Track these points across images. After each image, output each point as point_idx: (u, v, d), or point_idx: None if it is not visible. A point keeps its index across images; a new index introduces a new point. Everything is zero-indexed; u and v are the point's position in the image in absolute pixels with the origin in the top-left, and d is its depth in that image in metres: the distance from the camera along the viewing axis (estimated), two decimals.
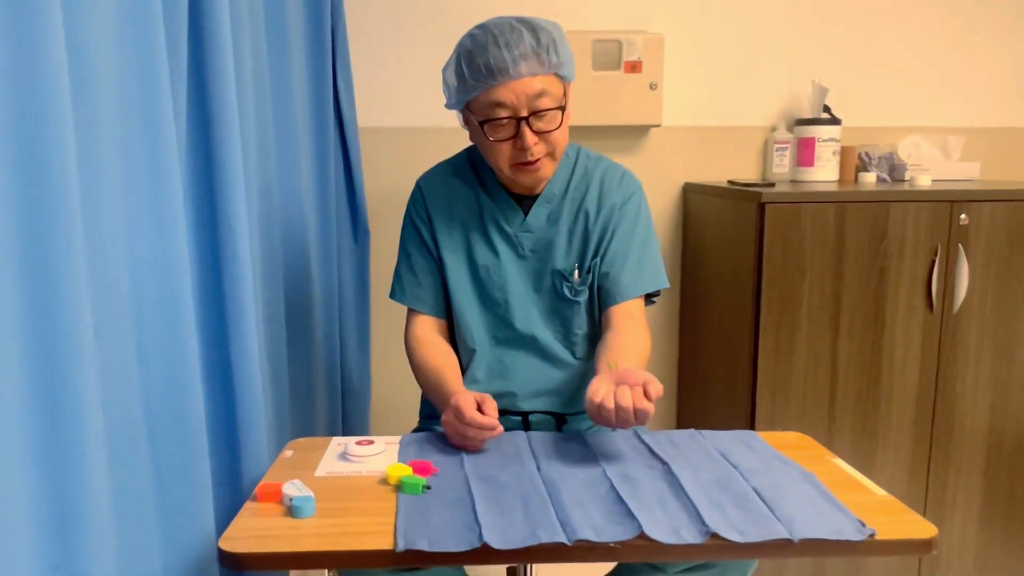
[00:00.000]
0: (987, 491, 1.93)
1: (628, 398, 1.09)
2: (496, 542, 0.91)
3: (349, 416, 2.08)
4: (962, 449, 1.91)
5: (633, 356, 1.29)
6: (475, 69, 1.26)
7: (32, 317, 0.79)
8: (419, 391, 1.48)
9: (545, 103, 1.27)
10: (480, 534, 0.92)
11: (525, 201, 1.42)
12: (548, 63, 1.27)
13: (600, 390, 1.12)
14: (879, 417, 1.88)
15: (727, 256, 1.97)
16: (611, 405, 1.09)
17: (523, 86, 1.26)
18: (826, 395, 1.86)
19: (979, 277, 1.84)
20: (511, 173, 1.33)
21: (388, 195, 2.17)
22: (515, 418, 1.43)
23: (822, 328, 1.83)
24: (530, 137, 1.28)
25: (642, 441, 1.24)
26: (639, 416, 1.09)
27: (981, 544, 1.95)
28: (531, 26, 1.28)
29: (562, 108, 1.30)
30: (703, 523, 0.95)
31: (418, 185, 1.47)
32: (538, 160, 1.31)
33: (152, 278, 1.03)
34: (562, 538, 0.92)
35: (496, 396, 1.26)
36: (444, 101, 1.37)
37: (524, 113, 1.27)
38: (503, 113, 1.27)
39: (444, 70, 1.34)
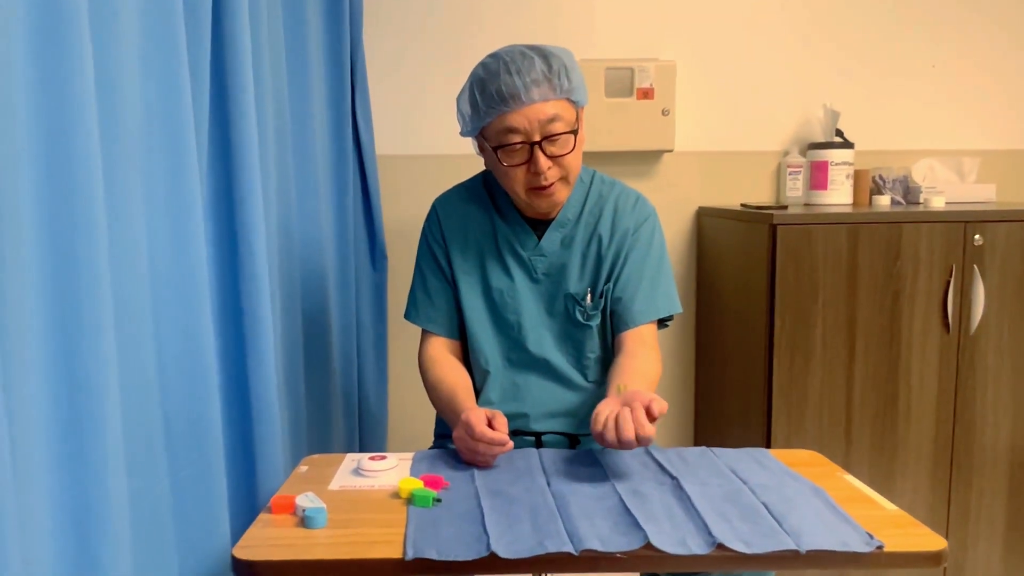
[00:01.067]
0: (1011, 513, 1.90)
1: (629, 427, 1.08)
2: (504, 551, 0.92)
3: (366, 437, 2.10)
4: (983, 471, 1.89)
5: (643, 380, 1.29)
6: (488, 96, 1.29)
7: (57, 329, 0.82)
8: (434, 412, 1.50)
9: (558, 127, 1.30)
10: (488, 544, 0.94)
11: (539, 225, 1.44)
12: (560, 88, 1.30)
13: (601, 416, 1.12)
14: (897, 439, 1.86)
15: (741, 278, 1.98)
16: (612, 437, 1.10)
17: (535, 111, 1.28)
18: (843, 417, 1.85)
19: (995, 297, 1.83)
20: (526, 198, 1.36)
21: (406, 221, 2.21)
22: (528, 439, 1.44)
23: (837, 349, 1.83)
24: (543, 161, 1.30)
25: (652, 458, 1.25)
26: (641, 441, 1.09)
27: (1008, 568, 1.92)
28: (542, 53, 1.31)
29: (574, 132, 1.32)
30: (710, 534, 0.95)
31: (434, 207, 1.50)
32: (552, 185, 1.33)
33: (173, 296, 1.07)
34: (569, 548, 0.93)
35: (509, 417, 1.27)
36: (459, 129, 1.40)
37: (537, 138, 1.29)
38: (516, 138, 1.30)
39: (458, 99, 1.37)
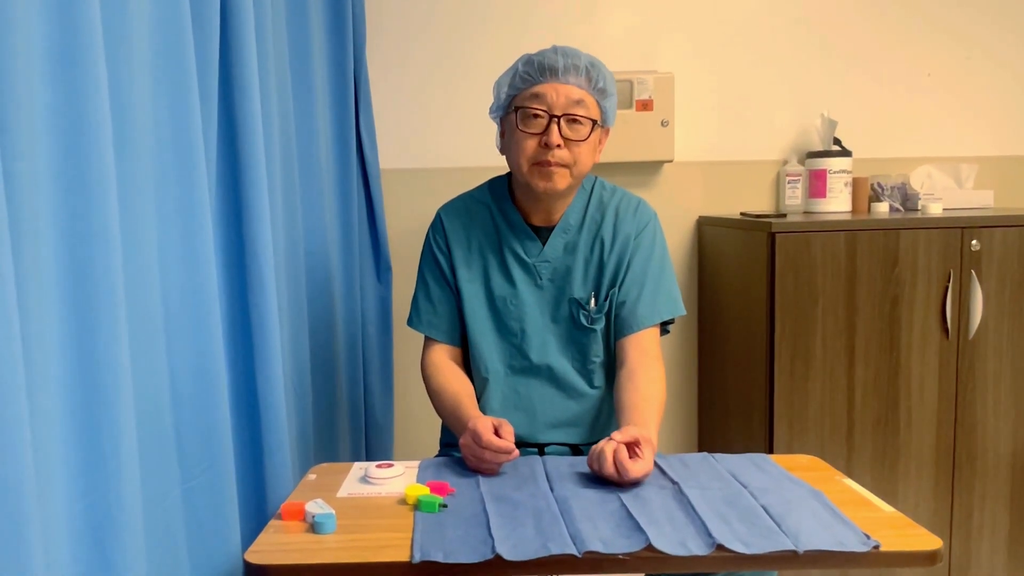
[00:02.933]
0: (1014, 517, 1.91)
1: (608, 463, 1.15)
2: (508, 554, 0.95)
3: (372, 446, 2.13)
4: (986, 476, 1.90)
5: (649, 408, 1.30)
6: (529, 65, 1.38)
7: (75, 341, 0.85)
8: (439, 421, 1.52)
9: (580, 111, 1.36)
10: (493, 546, 0.96)
11: (543, 232, 1.47)
12: (594, 86, 1.37)
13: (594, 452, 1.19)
14: (899, 444, 1.88)
15: (742, 286, 2.00)
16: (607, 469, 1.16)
17: (565, 89, 1.36)
18: (844, 422, 1.86)
19: (993, 302, 1.85)
20: (528, 172, 1.38)
21: (409, 233, 2.24)
22: (531, 449, 1.46)
23: (837, 355, 1.84)
24: (556, 136, 1.34)
25: (655, 464, 1.27)
26: (620, 471, 1.14)
27: (1011, 572, 1.92)
28: (591, 58, 1.39)
29: (594, 123, 1.38)
30: (709, 535, 0.97)
31: (439, 215, 1.52)
32: (556, 164, 1.36)
33: (184, 309, 1.10)
34: (572, 550, 0.95)
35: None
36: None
37: (558, 113, 1.35)
38: (539, 106, 1.36)
39: (499, 78, 1.43)
